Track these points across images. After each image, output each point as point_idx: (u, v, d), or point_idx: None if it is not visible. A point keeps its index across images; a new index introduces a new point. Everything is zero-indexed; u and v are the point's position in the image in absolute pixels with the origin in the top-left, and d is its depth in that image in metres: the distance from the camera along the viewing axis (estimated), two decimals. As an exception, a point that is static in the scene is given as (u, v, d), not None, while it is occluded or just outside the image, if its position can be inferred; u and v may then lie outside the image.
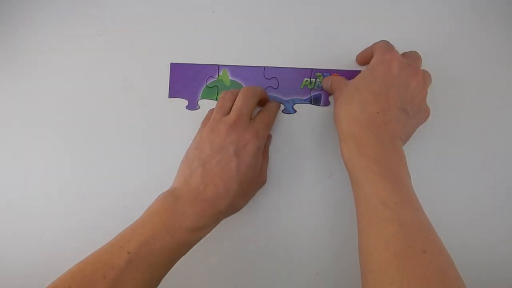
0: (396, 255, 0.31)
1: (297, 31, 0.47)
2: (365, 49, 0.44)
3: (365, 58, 0.44)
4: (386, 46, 0.40)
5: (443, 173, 0.46)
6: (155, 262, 0.34)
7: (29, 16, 0.48)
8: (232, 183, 0.37)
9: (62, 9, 0.48)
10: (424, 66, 0.46)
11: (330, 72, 0.46)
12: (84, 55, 0.48)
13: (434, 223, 0.34)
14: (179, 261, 0.37)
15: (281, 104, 0.47)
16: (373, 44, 0.42)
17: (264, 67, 0.47)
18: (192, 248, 0.38)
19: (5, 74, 0.48)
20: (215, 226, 0.39)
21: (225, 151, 0.38)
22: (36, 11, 0.48)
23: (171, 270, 0.37)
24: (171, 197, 0.37)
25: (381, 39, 0.42)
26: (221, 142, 0.38)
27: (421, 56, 0.42)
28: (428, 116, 0.41)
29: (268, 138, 0.45)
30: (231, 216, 0.41)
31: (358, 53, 0.46)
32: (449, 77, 0.46)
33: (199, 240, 0.38)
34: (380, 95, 0.37)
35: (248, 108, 0.40)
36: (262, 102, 0.45)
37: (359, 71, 0.46)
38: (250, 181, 0.39)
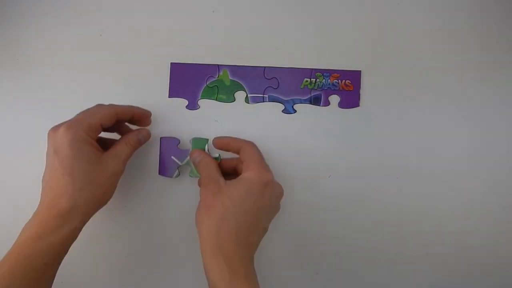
0: None
1: (297, 31, 0.47)
2: (232, 140, 0.44)
3: (226, 147, 0.44)
4: (260, 160, 0.41)
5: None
6: (9, 286, 0.35)
7: (29, 16, 0.48)
8: (62, 178, 0.37)
9: (62, 9, 0.48)
10: (424, 66, 0.46)
11: (330, 72, 0.46)
12: (84, 55, 0.47)
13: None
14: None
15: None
16: (244, 147, 0.42)
17: (264, 67, 0.47)
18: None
19: (5, 74, 0.48)
20: (70, 227, 0.38)
21: (48, 154, 0.38)
22: (36, 11, 0.48)
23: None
24: (28, 222, 0.38)
25: (248, 141, 0.43)
26: (47, 148, 0.39)
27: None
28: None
29: (139, 132, 0.44)
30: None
31: (357, 53, 0.46)
32: (448, 83, 0.46)
33: (58, 248, 0.38)
34: (253, 219, 0.39)
35: (83, 116, 0.39)
36: (135, 118, 0.44)
37: (359, 72, 0.46)
38: (85, 170, 0.38)
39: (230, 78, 0.47)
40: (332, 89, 0.47)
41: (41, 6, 0.48)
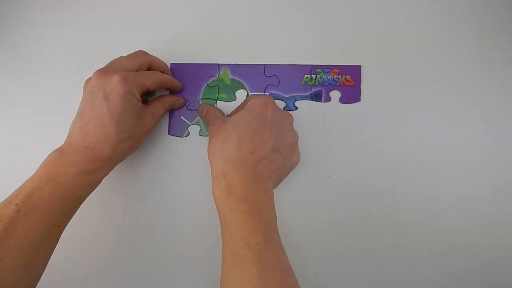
0: None
1: (296, 28, 0.48)
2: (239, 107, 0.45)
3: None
4: (260, 94, 0.44)
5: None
6: (46, 209, 0.36)
7: (29, 16, 0.48)
8: (109, 127, 0.38)
9: (62, 9, 0.48)
10: (424, 66, 0.47)
11: (330, 67, 0.47)
12: (84, 55, 0.48)
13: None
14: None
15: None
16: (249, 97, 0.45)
17: (264, 65, 0.47)
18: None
19: (5, 74, 0.48)
20: (108, 170, 0.41)
21: (95, 97, 0.39)
22: (36, 11, 0.48)
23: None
24: (57, 152, 0.39)
25: None
26: (91, 89, 0.39)
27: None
28: (299, 161, 0.43)
29: (173, 99, 0.46)
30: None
31: (357, 49, 0.46)
32: (449, 77, 0.47)
33: (93, 185, 0.40)
34: (257, 134, 0.39)
35: (126, 64, 0.41)
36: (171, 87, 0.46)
37: (359, 66, 0.46)
38: (130, 124, 0.40)
39: (231, 77, 0.47)
40: (333, 85, 0.47)
41: (41, 6, 0.48)
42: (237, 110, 0.45)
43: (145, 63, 0.43)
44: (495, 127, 0.46)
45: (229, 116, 0.46)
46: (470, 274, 0.45)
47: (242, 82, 0.47)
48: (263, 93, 0.47)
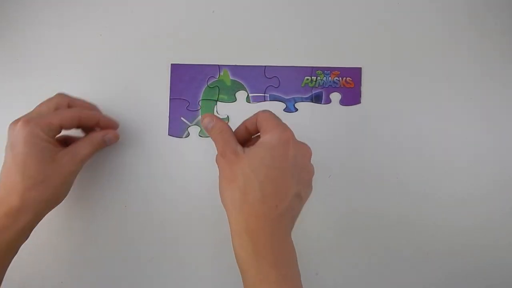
0: None
1: (297, 30, 0.47)
2: (247, 122, 0.40)
3: (248, 132, 0.40)
4: (277, 121, 0.37)
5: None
6: None
7: (29, 16, 0.48)
8: (14, 176, 0.36)
9: (62, 9, 0.48)
10: (424, 68, 0.47)
11: (331, 69, 0.47)
12: (84, 55, 0.47)
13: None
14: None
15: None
16: (259, 115, 0.38)
17: (265, 66, 0.47)
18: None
19: (5, 74, 0.48)
20: (29, 223, 0.37)
21: (6, 149, 0.37)
22: (36, 11, 0.48)
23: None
24: None
25: (263, 109, 0.39)
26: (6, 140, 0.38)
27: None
28: (311, 192, 0.39)
29: (106, 133, 0.42)
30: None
31: (358, 51, 0.46)
32: (449, 79, 0.47)
33: (13, 243, 0.37)
34: (280, 184, 0.35)
35: (39, 109, 0.39)
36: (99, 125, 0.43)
37: (359, 68, 0.46)
38: (36, 169, 0.36)
39: (231, 78, 0.47)
40: (333, 87, 0.47)
41: (41, 6, 0.48)
42: (249, 130, 0.40)
43: (61, 102, 0.40)
44: (495, 127, 0.46)
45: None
46: (470, 274, 0.46)
47: (242, 83, 0.47)
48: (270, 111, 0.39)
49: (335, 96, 0.47)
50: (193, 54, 0.47)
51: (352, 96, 0.47)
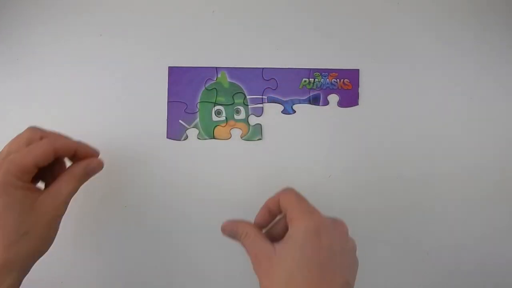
0: None
1: (295, 31, 0.47)
2: (271, 203, 0.36)
3: (273, 208, 0.36)
4: (301, 205, 0.34)
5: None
6: None
7: (29, 16, 0.48)
8: None
9: (62, 9, 0.48)
10: (423, 64, 0.46)
11: (329, 71, 0.46)
12: (84, 55, 0.47)
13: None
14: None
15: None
16: (281, 197, 0.35)
17: (263, 68, 0.47)
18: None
19: (5, 74, 0.48)
20: (16, 280, 0.33)
21: None
22: (36, 11, 0.48)
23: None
24: None
25: (285, 188, 0.36)
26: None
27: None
28: (358, 265, 0.34)
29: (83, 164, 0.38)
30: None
31: (355, 53, 0.46)
32: (447, 80, 0.46)
33: None
34: (320, 281, 0.30)
35: (9, 148, 0.35)
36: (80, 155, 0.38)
37: (357, 70, 0.46)
38: (16, 221, 0.33)
39: (229, 80, 0.47)
40: (331, 89, 0.47)
41: (41, 6, 0.48)
42: (272, 212, 0.36)
43: (32, 136, 0.36)
44: (495, 127, 0.46)
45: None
46: (470, 274, 0.46)
47: (240, 85, 0.47)
48: (293, 189, 0.36)
49: (333, 98, 0.47)
50: (190, 57, 0.47)
51: (350, 98, 0.46)
